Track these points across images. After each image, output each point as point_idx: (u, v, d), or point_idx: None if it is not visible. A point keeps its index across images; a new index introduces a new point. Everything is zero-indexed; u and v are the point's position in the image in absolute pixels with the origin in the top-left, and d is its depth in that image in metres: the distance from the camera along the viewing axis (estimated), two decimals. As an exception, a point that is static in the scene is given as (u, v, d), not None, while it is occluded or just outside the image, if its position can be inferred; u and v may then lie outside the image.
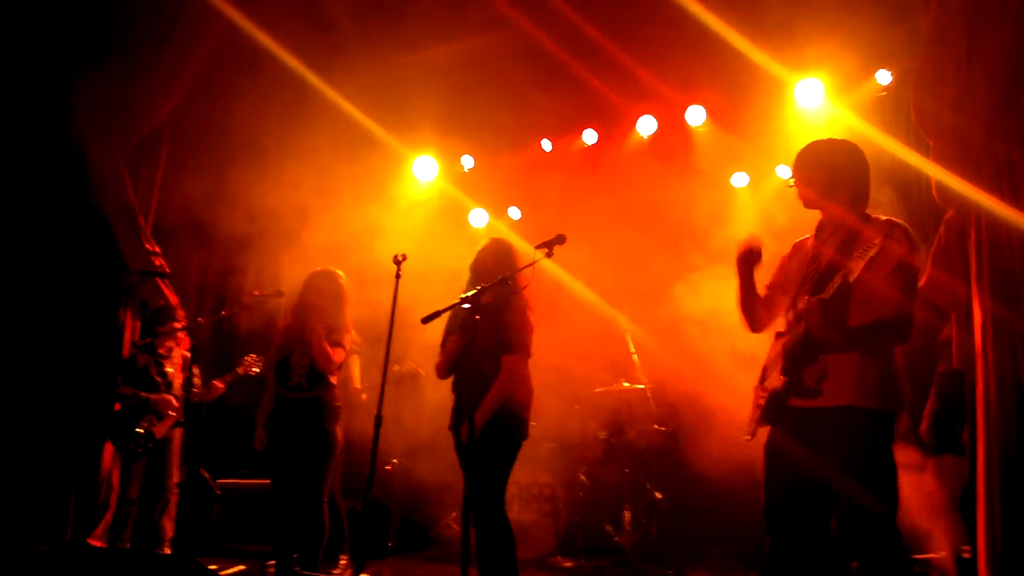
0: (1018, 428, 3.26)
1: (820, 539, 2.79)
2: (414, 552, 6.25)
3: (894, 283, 2.69)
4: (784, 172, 6.43)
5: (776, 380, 2.87)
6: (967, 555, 3.73)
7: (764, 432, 2.98)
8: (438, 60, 6.58)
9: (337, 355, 4.53)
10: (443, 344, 4.03)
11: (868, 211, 2.94)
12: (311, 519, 4.41)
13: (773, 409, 2.87)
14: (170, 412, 5.15)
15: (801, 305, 2.83)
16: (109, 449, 5.35)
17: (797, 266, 3.04)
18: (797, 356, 2.80)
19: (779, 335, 2.98)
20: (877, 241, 2.50)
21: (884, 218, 2.87)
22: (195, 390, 5.21)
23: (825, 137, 3.05)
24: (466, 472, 3.66)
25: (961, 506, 4.09)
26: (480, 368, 3.75)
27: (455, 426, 3.84)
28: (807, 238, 3.09)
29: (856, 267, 2.55)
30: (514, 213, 7.68)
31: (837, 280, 2.62)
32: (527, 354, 3.87)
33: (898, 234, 2.74)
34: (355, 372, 5.64)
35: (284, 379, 4.53)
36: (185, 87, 5.78)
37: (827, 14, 5.32)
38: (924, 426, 4.52)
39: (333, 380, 4.62)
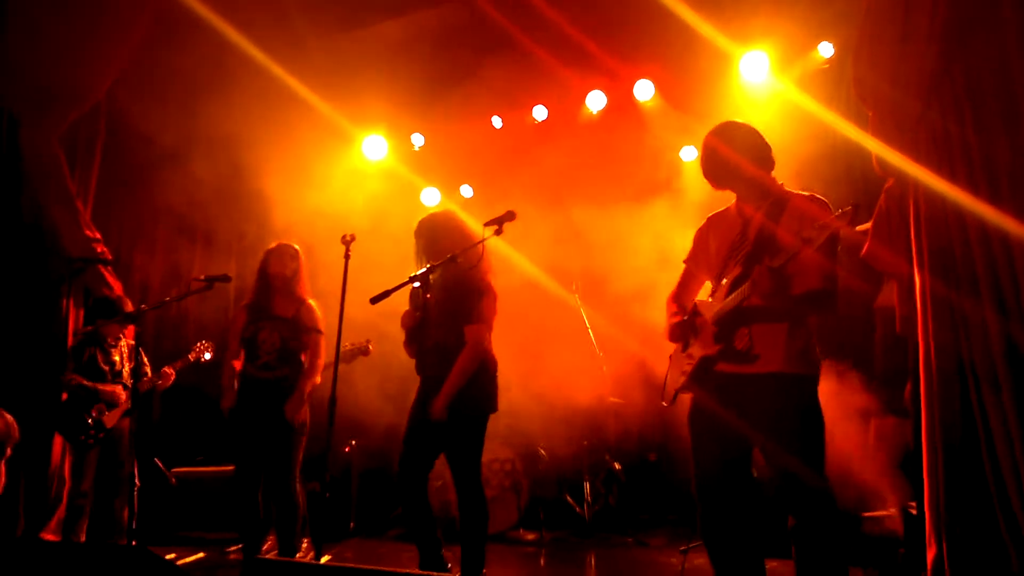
0: (961, 394, 3.36)
1: (749, 502, 2.89)
2: (376, 532, 6.24)
3: (824, 257, 2.77)
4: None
5: (707, 347, 2.95)
6: (914, 511, 3.86)
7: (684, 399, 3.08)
8: (386, 35, 6.47)
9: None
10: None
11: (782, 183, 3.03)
12: (284, 503, 4.32)
13: (700, 375, 2.96)
14: (119, 402, 5.04)
15: (732, 275, 2.90)
16: (59, 441, 5.22)
17: (720, 238, 3.10)
18: (728, 323, 2.88)
19: (703, 304, 3.06)
20: (825, 222, 2.54)
21: (807, 193, 2.96)
22: (144, 378, 5.10)
23: (735, 121, 3.10)
24: (418, 449, 3.64)
25: (905, 465, 4.25)
26: (443, 344, 3.72)
27: (418, 403, 3.79)
28: (726, 210, 3.17)
29: (814, 241, 2.55)
30: (466, 191, 7.63)
31: (790, 250, 2.65)
32: (490, 324, 3.82)
33: (827, 210, 2.83)
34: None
35: (252, 357, 4.43)
36: (123, 64, 5.59)
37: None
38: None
39: (303, 358, 4.53)
